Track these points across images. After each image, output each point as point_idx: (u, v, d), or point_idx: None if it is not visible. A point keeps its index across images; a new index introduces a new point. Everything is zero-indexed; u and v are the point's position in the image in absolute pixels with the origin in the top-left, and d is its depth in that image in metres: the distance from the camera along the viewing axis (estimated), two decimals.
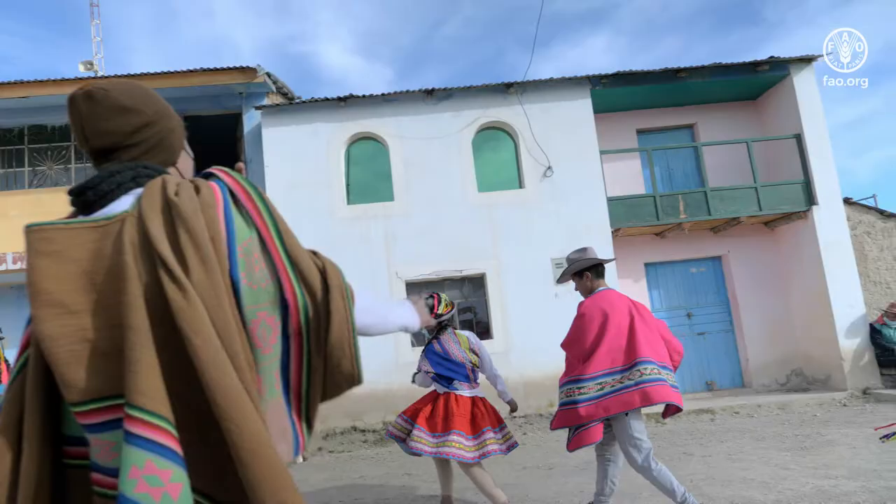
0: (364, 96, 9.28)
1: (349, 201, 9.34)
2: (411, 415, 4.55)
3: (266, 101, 9.74)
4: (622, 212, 9.53)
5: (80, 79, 9.52)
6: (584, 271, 3.93)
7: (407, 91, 9.29)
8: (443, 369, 4.47)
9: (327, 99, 9.28)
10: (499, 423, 4.44)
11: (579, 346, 3.79)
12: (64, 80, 9.25)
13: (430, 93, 9.41)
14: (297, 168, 9.23)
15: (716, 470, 5.39)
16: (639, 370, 3.55)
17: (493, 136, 9.77)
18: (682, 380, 9.98)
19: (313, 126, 9.34)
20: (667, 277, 10.45)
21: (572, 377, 3.73)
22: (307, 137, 9.33)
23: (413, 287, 9.18)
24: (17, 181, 10.21)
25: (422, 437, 4.32)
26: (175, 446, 0.94)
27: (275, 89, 9.91)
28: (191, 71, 9.17)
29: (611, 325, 3.68)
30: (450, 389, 4.45)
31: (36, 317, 0.99)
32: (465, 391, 4.45)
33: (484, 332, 9.20)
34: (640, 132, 10.78)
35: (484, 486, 4.31)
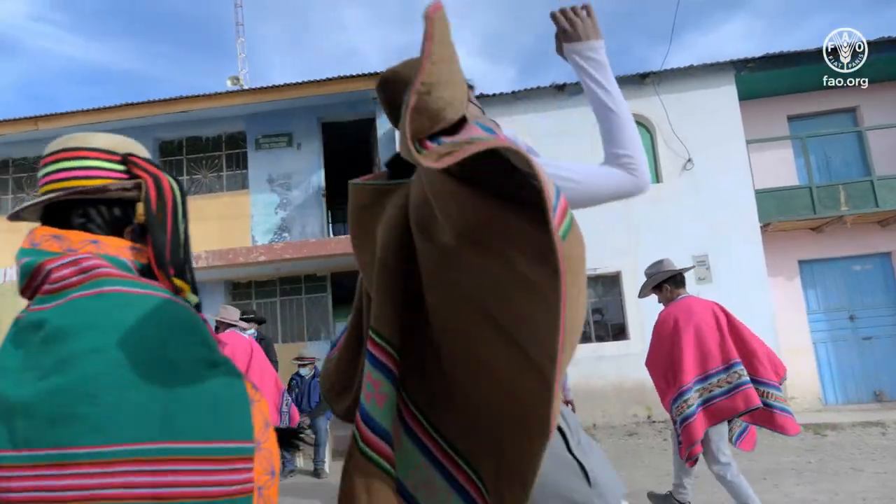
0: (493, 95, 9.26)
1: None
2: None
3: None
4: (773, 205, 8.81)
5: (231, 92, 10.26)
6: (662, 284, 3.89)
7: (537, 87, 9.16)
8: None
9: None
10: None
11: (659, 359, 3.73)
12: (216, 95, 10.00)
13: (561, 88, 9.22)
14: None
15: (892, 489, 4.81)
16: (736, 372, 3.43)
17: None
18: (846, 389, 9.09)
19: None
20: (825, 276, 9.53)
21: (675, 394, 3.61)
22: None
23: None
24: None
25: None
26: (390, 364, 1.14)
27: None
28: (329, 79, 9.59)
29: (687, 330, 3.61)
30: None
31: (353, 250, 1.37)
32: None
33: (619, 332, 8.87)
34: (791, 118, 9.92)
35: None
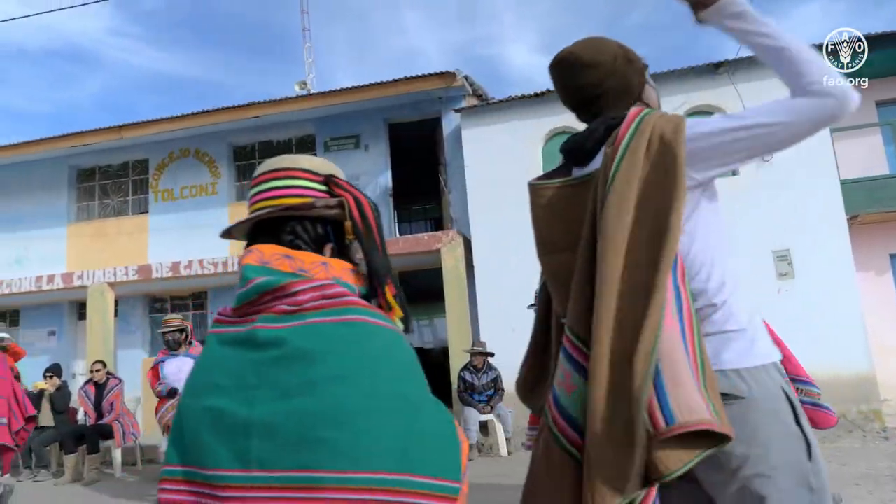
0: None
1: None
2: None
3: (463, 104, 9.99)
4: (861, 196, 8.34)
5: (301, 97, 10.52)
6: None
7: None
8: None
9: (524, 96, 9.28)
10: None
11: None
12: (287, 100, 10.28)
13: (718, 65, 8.94)
14: (496, 167, 9.34)
15: None
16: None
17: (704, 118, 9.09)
18: None
19: (510, 124, 9.40)
20: None
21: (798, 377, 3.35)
22: (505, 136, 9.41)
23: None
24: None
25: None
26: (581, 360, 1.19)
27: (471, 91, 10.14)
28: (395, 81, 9.69)
29: None
30: None
31: (537, 251, 1.40)
32: None
33: None
34: (880, 104, 9.36)
35: None
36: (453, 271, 8.88)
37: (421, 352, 14.64)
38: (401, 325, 1.08)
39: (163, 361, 6.57)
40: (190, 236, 11.15)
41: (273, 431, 0.86)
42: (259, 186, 1.15)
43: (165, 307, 11.69)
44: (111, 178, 12.29)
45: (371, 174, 10.71)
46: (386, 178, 10.66)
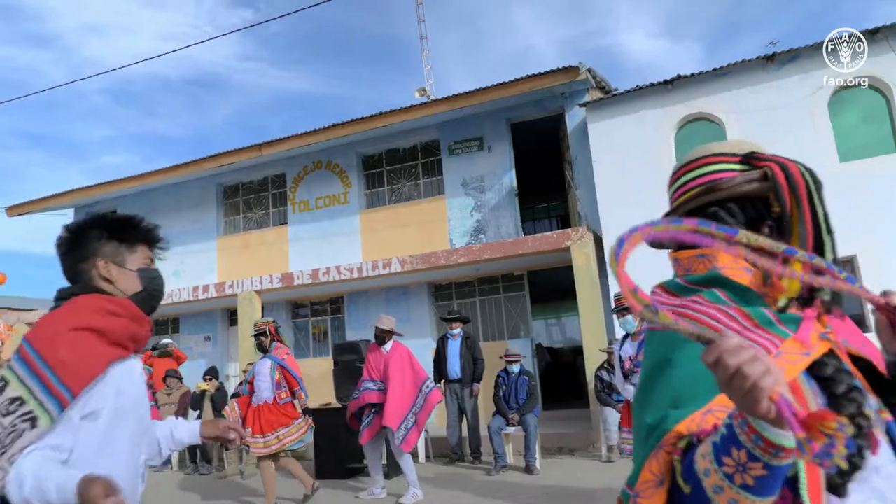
0: (692, 75, 8.71)
1: None
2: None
3: (587, 98, 9.79)
4: None
5: (425, 104, 10.76)
6: None
7: (742, 61, 8.45)
8: None
9: (652, 84, 8.94)
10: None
11: None
12: (413, 107, 10.55)
13: (770, 58, 8.41)
14: (625, 160, 9.07)
15: None
16: None
17: (854, 95, 8.32)
18: None
19: (639, 114, 9.09)
20: None
21: None
22: (633, 127, 9.11)
23: None
24: (380, 199, 11.97)
25: None
26: None
27: (594, 84, 9.92)
28: (516, 80, 9.66)
29: None
30: None
31: None
32: None
33: (857, 323, 7.86)
34: None
35: None
36: (585, 268, 8.72)
37: (550, 351, 14.49)
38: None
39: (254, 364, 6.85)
40: (326, 244, 11.74)
41: None
42: (677, 182, 1.11)
43: (306, 312, 12.38)
44: (253, 193, 13.20)
45: (495, 175, 10.76)
46: (510, 178, 10.66)
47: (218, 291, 11.47)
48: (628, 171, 9.02)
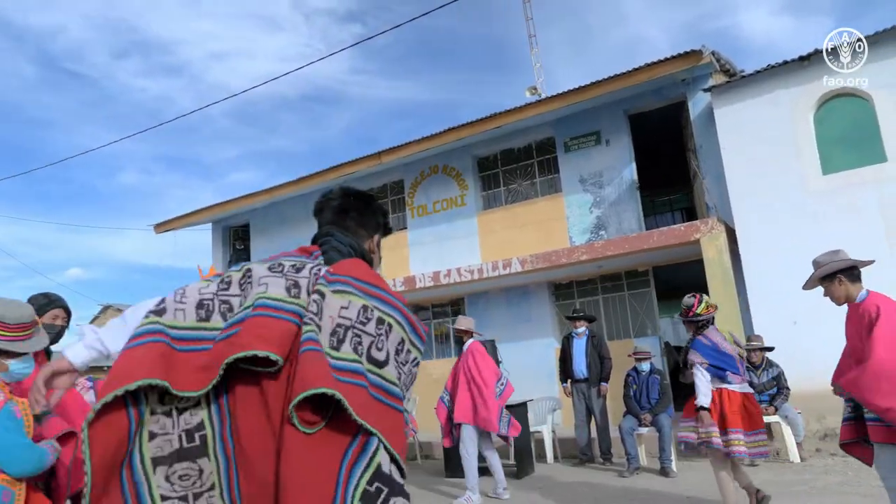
0: (833, 49, 8.02)
1: (825, 170, 8.16)
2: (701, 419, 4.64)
3: (711, 82, 9.29)
4: None
5: (539, 101, 10.67)
6: (836, 274, 3.63)
7: (893, 27, 7.67)
8: (715, 360, 4.60)
9: (786, 62, 8.33)
10: (753, 428, 4.54)
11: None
12: (527, 106, 10.50)
13: None
14: (757, 145, 8.52)
15: None
16: None
17: None
18: None
19: (772, 95, 8.49)
20: None
21: None
22: (765, 109, 8.53)
23: None
24: (496, 200, 11.99)
25: (739, 439, 4.54)
26: None
27: (718, 68, 9.39)
28: (634, 70, 9.34)
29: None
30: (723, 384, 4.61)
31: None
32: (735, 385, 4.62)
33: None
34: None
35: (720, 485, 4.63)
36: (716, 261, 8.25)
37: (679, 350, 13.85)
38: None
39: None
40: (445, 247, 11.93)
41: None
42: None
43: (427, 315, 12.62)
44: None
45: (614, 169, 10.46)
46: (630, 172, 10.32)
47: None
48: (761, 157, 8.46)
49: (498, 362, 8.39)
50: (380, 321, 1.43)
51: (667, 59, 9.05)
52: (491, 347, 8.28)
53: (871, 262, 3.75)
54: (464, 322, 6.78)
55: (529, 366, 10.34)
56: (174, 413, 1.32)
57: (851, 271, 3.61)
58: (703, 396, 4.60)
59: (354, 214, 1.74)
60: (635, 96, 10.19)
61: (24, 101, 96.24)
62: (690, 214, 13.75)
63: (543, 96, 11.71)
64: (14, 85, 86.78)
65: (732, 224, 8.61)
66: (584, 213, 10.66)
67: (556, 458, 8.36)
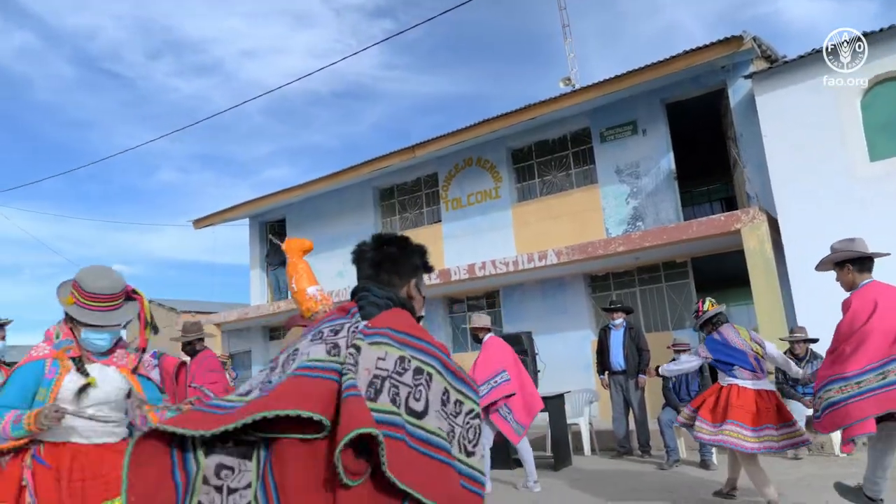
0: (880, 30, 7.76)
1: (872, 157, 7.92)
2: (697, 405, 5.04)
3: (752, 69, 9.08)
4: None
5: (574, 92, 10.57)
6: (845, 262, 3.74)
7: None
8: (722, 355, 4.83)
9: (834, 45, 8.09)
10: (782, 421, 4.61)
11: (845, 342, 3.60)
12: (563, 96, 10.40)
13: None
14: (800, 131, 8.30)
15: None
16: None
17: None
18: None
19: (816, 81, 8.25)
20: None
21: (832, 378, 3.61)
22: (809, 94, 8.30)
23: None
24: (531, 192, 11.93)
25: (702, 427, 4.82)
26: None
27: (759, 53, 9.17)
28: (672, 57, 9.17)
29: (879, 314, 3.45)
30: (731, 378, 4.79)
31: None
32: (747, 381, 4.74)
33: None
34: None
35: (754, 481, 4.62)
36: (758, 252, 8.07)
37: None
38: None
39: None
40: (479, 240, 11.92)
41: None
42: None
43: (462, 307, 12.64)
44: (406, 194, 13.72)
45: (651, 159, 10.31)
46: (668, 162, 10.16)
47: None
48: (804, 145, 8.25)
49: (534, 354, 8.38)
50: (417, 371, 1.44)
51: (706, 46, 8.87)
52: (527, 339, 8.26)
53: (887, 254, 3.86)
54: (478, 321, 6.79)
55: (566, 358, 10.29)
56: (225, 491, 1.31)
57: (862, 261, 3.74)
58: (666, 369, 5.44)
59: (388, 265, 1.73)
60: (672, 85, 10.01)
61: (66, 102, 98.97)
62: (729, 204, 13.49)
63: (577, 87, 11.60)
64: (55, 86, 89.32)
65: (774, 213, 8.42)
66: (621, 204, 10.54)
67: (593, 450, 8.31)
